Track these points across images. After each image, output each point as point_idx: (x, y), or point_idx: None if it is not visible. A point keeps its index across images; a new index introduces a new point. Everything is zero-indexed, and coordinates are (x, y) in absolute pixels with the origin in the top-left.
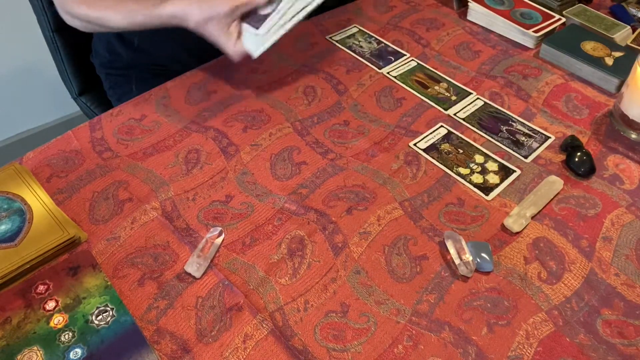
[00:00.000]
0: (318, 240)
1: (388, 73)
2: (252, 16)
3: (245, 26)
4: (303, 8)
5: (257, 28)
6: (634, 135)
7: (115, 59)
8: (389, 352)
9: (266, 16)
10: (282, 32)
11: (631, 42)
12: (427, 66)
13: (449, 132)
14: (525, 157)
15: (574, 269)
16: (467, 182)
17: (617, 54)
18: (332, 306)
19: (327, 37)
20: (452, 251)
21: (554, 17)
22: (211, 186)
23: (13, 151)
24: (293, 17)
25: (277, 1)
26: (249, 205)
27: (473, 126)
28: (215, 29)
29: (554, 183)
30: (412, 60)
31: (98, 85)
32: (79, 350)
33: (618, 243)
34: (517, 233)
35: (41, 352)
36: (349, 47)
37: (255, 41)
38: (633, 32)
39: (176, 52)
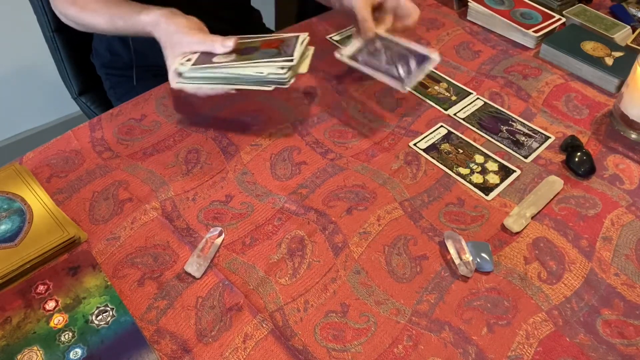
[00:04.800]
0: (318, 240)
1: None
2: (206, 55)
3: (194, 56)
4: (239, 83)
5: (195, 64)
6: (634, 135)
7: (115, 59)
8: (389, 352)
9: (211, 62)
10: (206, 84)
11: (631, 42)
12: None
13: (449, 132)
14: (525, 157)
15: (574, 269)
16: (467, 182)
17: (617, 54)
18: (332, 306)
19: (327, 37)
20: (452, 251)
21: (554, 17)
22: (211, 186)
23: (13, 151)
24: (224, 82)
25: (230, 59)
26: (249, 205)
27: (473, 126)
28: (171, 51)
29: (554, 183)
30: None
31: (98, 85)
32: (79, 350)
33: (618, 243)
34: (517, 233)
35: (41, 352)
36: None
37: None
38: (633, 32)
39: None
